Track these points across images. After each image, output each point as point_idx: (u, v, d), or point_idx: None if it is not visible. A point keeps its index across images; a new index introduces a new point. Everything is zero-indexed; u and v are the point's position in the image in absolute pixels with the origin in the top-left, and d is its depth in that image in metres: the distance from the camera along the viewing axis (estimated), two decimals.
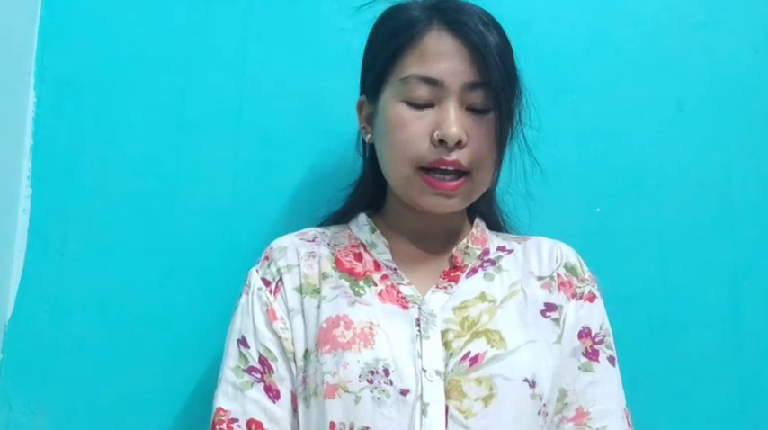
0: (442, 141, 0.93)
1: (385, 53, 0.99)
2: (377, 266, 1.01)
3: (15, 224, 1.18)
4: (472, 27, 0.95)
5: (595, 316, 1.01)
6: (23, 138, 1.20)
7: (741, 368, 1.21)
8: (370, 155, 1.09)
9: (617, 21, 1.29)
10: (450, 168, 0.95)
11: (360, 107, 1.06)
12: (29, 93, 1.21)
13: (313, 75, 1.25)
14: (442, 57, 0.95)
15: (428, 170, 0.95)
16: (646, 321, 1.22)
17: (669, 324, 1.22)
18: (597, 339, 1.00)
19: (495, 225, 1.13)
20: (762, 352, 1.22)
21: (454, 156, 0.94)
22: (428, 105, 0.95)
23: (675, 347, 1.21)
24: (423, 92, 0.95)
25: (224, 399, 0.94)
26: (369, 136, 1.04)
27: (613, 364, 1.00)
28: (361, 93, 1.06)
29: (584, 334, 0.99)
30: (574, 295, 1.01)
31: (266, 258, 1.03)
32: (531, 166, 1.11)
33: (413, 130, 0.95)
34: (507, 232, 1.13)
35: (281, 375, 0.95)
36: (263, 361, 0.95)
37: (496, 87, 0.94)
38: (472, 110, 0.96)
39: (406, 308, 0.96)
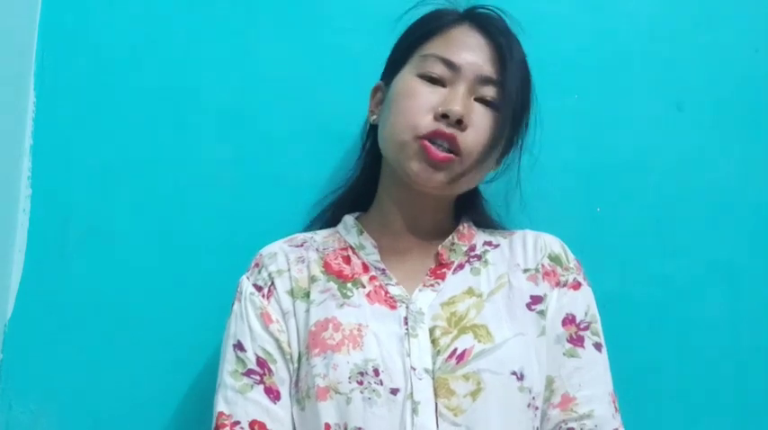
0: (444, 116, 0.96)
1: (412, 37, 1.05)
2: (365, 268, 1.01)
3: (15, 224, 1.18)
4: (501, 29, 1.02)
5: (580, 303, 1.01)
6: (23, 139, 1.20)
7: (741, 368, 1.21)
8: (370, 144, 1.11)
9: (617, 21, 1.29)
10: (446, 144, 0.97)
11: (374, 92, 1.09)
12: (29, 93, 1.21)
13: (313, 75, 1.25)
14: (465, 47, 1.00)
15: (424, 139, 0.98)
16: (646, 321, 1.22)
17: (669, 324, 1.22)
18: (582, 326, 1.00)
19: (488, 226, 1.13)
20: (762, 352, 1.22)
21: (452, 130, 0.96)
22: (440, 84, 0.99)
23: (675, 347, 1.21)
24: (439, 70, 0.99)
25: (224, 404, 0.95)
26: (374, 117, 1.06)
27: (600, 350, 0.99)
28: (381, 79, 1.09)
29: (569, 321, 1.00)
30: (558, 283, 1.02)
31: (256, 265, 1.03)
32: (529, 166, 1.11)
33: (420, 101, 0.98)
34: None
35: (282, 376, 0.96)
36: (261, 363, 0.95)
37: (514, 89, 0.99)
38: (480, 102, 0.99)
39: (393, 308, 0.97)
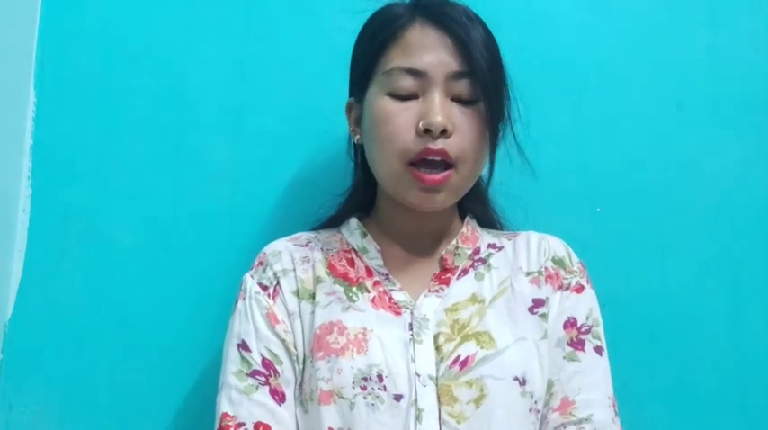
0: (427, 130, 0.93)
1: (369, 50, 1.00)
2: (369, 272, 1.00)
3: (15, 224, 1.18)
4: (456, 19, 0.96)
5: (582, 306, 1.00)
6: (23, 138, 1.20)
7: (741, 368, 1.21)
8: (360, 158, 1.09)
9: (617, 21, 1.29)
10: (437, 158, 0.94)
11: (348, 109, 1.06)
12: (29, 93, 1.21)
13: (313, 75, 1.25)
14: (425, 49, 0.95)
15: (416, 165, 0.95)
16: (646, 321, 1.22)
17: (669, 324, 1.22)
18: (583, 329, 0.99)
19: (491, 225, 1.12)
20: (762, 352, 1.22)
21: (440, 144, 0.93)
22: (413, 97, 0.95)
23: (675, 347, 1.21)
24: (407, 83, 0.95)
25: (228, 404, 0.93)
26: (357, 137, 1.04)
27: (600, 354, 0.98)
28: (350, 95, 1.06)
29: (570, 324, 0.99)
30: (560, 287, 1.01)
31: (260, 263, 1.02)
32: (529, 166, 1.11)
33: (398, 122, 0.95)
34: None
35: (288, 378, 0.95)
36: (267, 364, 0.95)
37: (483, 76, 0.95)
38: (458, 101, 0.96)
39: (398, 313, 0.96)
